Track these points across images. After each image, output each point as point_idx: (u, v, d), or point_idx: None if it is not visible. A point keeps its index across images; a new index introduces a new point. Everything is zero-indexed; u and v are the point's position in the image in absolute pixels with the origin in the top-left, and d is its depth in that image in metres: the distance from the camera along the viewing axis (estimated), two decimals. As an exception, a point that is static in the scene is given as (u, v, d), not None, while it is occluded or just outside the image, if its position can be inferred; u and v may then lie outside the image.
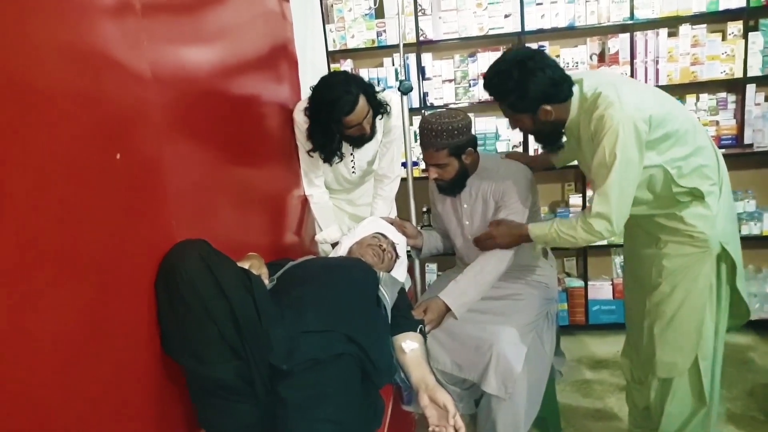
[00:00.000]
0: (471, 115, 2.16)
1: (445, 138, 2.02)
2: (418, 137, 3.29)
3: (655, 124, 1.70)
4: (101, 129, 1.14)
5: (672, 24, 3.11)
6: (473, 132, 2.12)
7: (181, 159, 1.48)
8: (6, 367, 0.87)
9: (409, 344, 1.74)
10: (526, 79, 1.76)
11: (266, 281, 1.62)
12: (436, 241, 2.46)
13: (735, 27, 3.06)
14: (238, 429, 1.34)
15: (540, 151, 2.54)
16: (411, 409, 1.83)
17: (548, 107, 1.81)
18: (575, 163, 2.13)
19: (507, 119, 1.97)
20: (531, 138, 3.27)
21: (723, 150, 3.10)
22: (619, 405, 2.57)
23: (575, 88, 1.83)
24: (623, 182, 1.71)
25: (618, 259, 3.43)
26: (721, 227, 1.81)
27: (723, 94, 3.16)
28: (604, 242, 3.26)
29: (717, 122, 3.16)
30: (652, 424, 2.03)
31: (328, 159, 2.43)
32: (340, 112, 2.20)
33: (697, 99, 3.17)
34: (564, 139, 2.00)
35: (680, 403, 1.94)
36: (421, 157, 3.26)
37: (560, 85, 1.80)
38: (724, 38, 3.10)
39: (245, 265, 1.56)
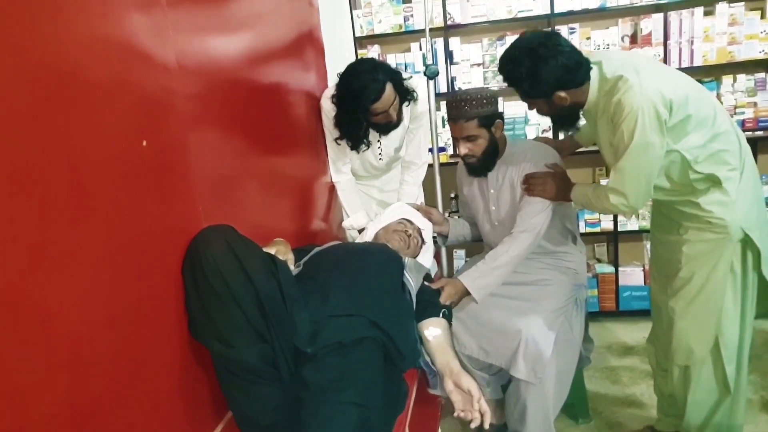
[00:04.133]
0: (500, 99, 2.14)
1: (475, 107, 2.01)
2: (445, 118, 3.31)
3: (675, 108, 1.67)
4: (127, 117, 1.16)
5: (708, 2, 3.03)
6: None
7: (207, 146, 1.50)
8: (41, 348, 0.91)
9: (432, 331, 1.75)
10: (537, 67, 1.75)
11: (292, 267, 1.64)
12: (463, 228, 2.45)
13: (775, 4, 2.97)
14: (263, 411, 1.36)
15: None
16: (437, 393, 1.84)
17: (563, 93, 1.80)
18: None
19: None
20: (560, 122, 3.25)
21: (761, 132, 3.04)
22: (648, 392, 2.54)
23: (594, 71, 1.80)
24: (640, 162, 1.70)
25: (649, 245, 3.38)
26: (742, 213, 1.77)
27: (762, 75, 3.06)
28: (636, 228, 3.25)
29: (755, 104, 3.06)
30: (680, 412, 2.01)
31: (355, 146, 2.44)
32: (367, 100, 2.20)
33: (734, 80, 3.08)
34: (582, 122, 1.99)
35: (703, 391, 1.91)
36: (449, 141, 3.30)
37: (575, 71, 1.77)
38: (763, 16, 3.00)
39: (272, 250, 1.58)
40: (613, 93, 1.71)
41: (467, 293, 2.03)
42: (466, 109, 2.01)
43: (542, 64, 1.74)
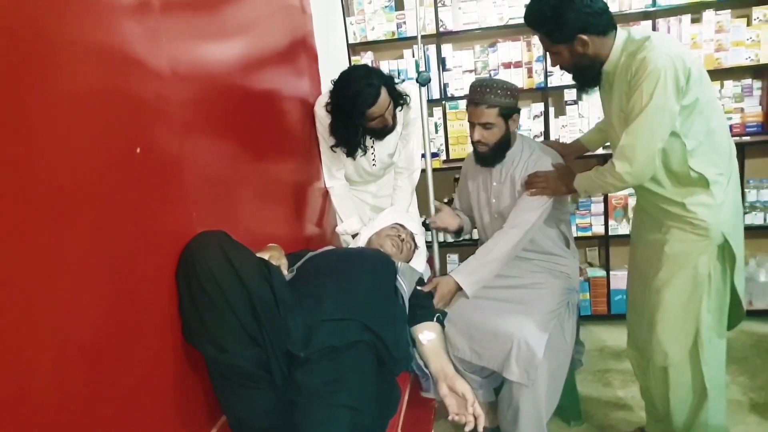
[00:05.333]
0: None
1: (499, 96, 2.04)
2: (438, 124, 3.33)
3: (691, 83, 1.67)
4: (121, 124, 1.18)
5: (695, 10, 3.07)
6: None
7: (201, 152, 1.52)
8: (34, 351, 0.92)
9: (426, 335, 1.77)
10: (562, 6, 1.74)
11: (285, 272, 1.65)
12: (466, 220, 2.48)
13: (760, 12, 3.01)
14: (257, 415, 1.37)
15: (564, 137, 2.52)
16: (430, 396, 1.86)
17: (585, 37, 1.77)
18: (608, 150, 2.08)
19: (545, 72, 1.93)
20: (552, 126, 3.27)
21: (748, 137, 3.08)
22: (639, 395, 2.56)
23: (622, 32, 1.80)
24: (654, 124, 1.69)
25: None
26: (725, 217, 1.80)
27: (748, 81, 3.10)
28: (627, 232, 3.26)
29: (742, 109, 3.10)
30: (665, 415, 2.03)
31: (351, 153, 2.46)
32: (363, 105, 2.23)
33: (722, 86, 3.11)
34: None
35: (683, 391, 1.93)
36: (442, 147, 3.33)
37: (599, 14, 1.75)
38: (749, 23, 3.04)
39: (265, 255, 1.59)
40: (637, 52, 1.70)
41: (460, 289, 2.06)
42: (491, 96, 2.04)
43: (568, 3, 1.73)
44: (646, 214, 2.00)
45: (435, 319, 1.84)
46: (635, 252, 2.12)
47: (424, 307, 1.88)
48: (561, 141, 2.89)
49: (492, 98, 2.04)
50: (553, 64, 1.94)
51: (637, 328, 2.10)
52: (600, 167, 1.90)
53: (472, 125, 2.12)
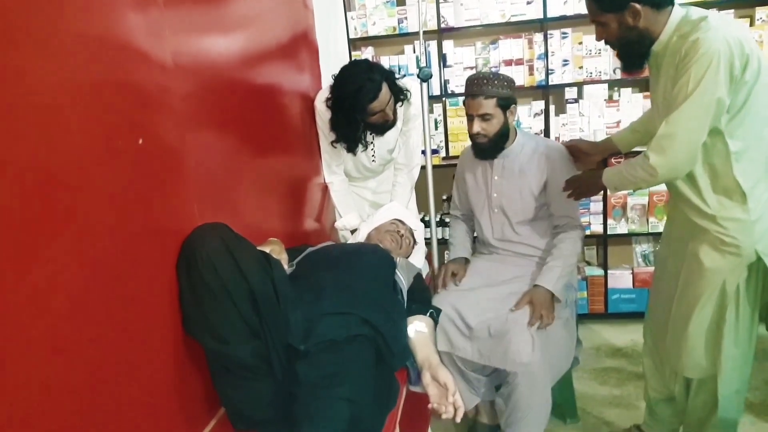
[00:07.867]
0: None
1: (497, 86, 2.06)
2: (438, 120, 3.34)
3: (749, 72, 1.51)
4: (124, 115, 1.18)
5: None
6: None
7: (202, 145, 1.52)
8: (34, 344, 0.92)
9: (416, 326, 1.76)
10: None
11: (286, 266, 1.65)
12: (465, 239, 2.45)
13: (764, 12, 3.01)
14: (256, 407, 1.38)
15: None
16: (417, 390, 1.85)
17: (638, 6, 1.60)
18: (641, 148, 2.04)
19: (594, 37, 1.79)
20: (553, 124, 3.27)
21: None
22: (636, 393, 2.57)
23: (679, 10, 1.63)
24: (699, 114, 1.53)
25: (639, 249, 3.41)
26: (759, 234, 1.65)
27: (750, 81, 3.10)
28: (625, 231, 3.27)
29: (743, 110, 3.10)
30: (671, 419, 2.03)
31: (351, 149, 2.46)
32: (365, 100, 2.23)
33: (723, 86, 3.11)
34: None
35: (702, 398, 1.89)
36: (442, 144, 3.33)
37: None
38: (752, 24, 3.04)
39: (266, 249, 1.59)
40: (690, 33, 1.53)
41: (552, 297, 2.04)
42: (488, 87, 2.06)
43: None
44: (676, 224, 1.89)
45: (429, 314, 1.84)
46: (664, 262, 2.01)
47: (419, 301, 1.88)
48: (567, 139, 2.88)
49: (489, 89, 2.06)
50: (598, 38, 1.78)
51: (657, 336, 2.01)
52: (631, 160, 1.73)
53: (471, 118, 2.12)
